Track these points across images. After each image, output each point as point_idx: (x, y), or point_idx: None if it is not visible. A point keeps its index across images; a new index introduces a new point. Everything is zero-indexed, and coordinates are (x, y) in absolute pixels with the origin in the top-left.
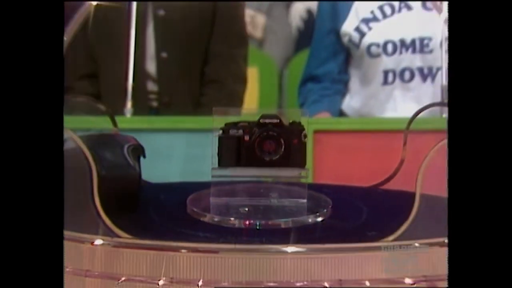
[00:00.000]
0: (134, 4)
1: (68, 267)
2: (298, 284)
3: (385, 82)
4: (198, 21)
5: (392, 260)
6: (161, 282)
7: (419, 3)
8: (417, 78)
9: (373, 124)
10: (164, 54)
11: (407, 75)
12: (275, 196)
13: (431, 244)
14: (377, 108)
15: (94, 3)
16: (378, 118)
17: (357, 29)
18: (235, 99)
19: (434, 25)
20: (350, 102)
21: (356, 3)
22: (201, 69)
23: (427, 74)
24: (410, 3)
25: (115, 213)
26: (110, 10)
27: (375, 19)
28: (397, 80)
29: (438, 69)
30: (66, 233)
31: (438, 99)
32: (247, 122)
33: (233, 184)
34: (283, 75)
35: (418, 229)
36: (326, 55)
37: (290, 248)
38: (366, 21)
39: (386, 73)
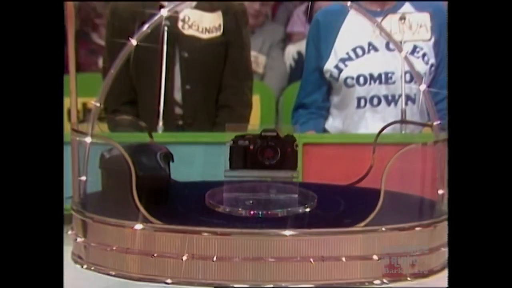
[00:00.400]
0: (165, 48)
1: (113, 246)
2: (290, 260)
3: (358, 106)
4: (213, 61)
5: (363, 241)
6: (184, 258)
7: (384, 45)
8: (383, 103)
9: (349, 139)
10: (188, 86)
11: (375, 101)
12: (273, 192)
13: (393, 229)
14: (353, 127)
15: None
16: (353, 134)
17: (336, 66)
18: (243, 120)
19: (396, 62)
20: (333, 123)
21: (335, 46)
22: (216, 97)
23: (391, 100)
24: (377, 45)
25: (150, 204)
26: (147, 51)
27: (350, 58)
28: (368, 105)
29: (399, 95)
30: (112, 220)
31: (399, 119)
32: (251, 135)
33: (241, 183)
34: (279, 101)
35: (383, 217)
36: (312, 88)
37: (285, 232)
38: (343, 60)
39: (359, 99)
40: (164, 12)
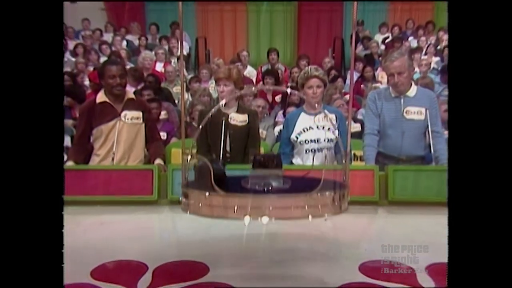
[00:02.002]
0: (223, 128)
1: (200, 203)
2: (275, 208)
3: (306, 153)
4: (243, 134)
5: (314, 199)
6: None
7: (315, 127)
8: (317, 152)
9: (302, 167)
10: (232, 145)
11: (313, 151)
12: (271, 179)
13: (323, 194)
14: (304, 162)
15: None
16: (304, 165)
17: (296, 136)
18: None
19: (321, 134)
20: (295, 160)
21: (295, 128)
22: (244, 149)
23: (319, 150)
24: (313, 127)
25: (218, 185)
26: (215, 129)
27: (301, 133)
28: (310, 153)
29: (323, 148)
30: (199, 191)
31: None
32: (263, 154)
33: (257, 175)
34: (271, 151)
35: (322, 189)
36: (285, 146)
37: (271, 195)
38: (299, 134)
39: (306, 150)
40: (225, 114)
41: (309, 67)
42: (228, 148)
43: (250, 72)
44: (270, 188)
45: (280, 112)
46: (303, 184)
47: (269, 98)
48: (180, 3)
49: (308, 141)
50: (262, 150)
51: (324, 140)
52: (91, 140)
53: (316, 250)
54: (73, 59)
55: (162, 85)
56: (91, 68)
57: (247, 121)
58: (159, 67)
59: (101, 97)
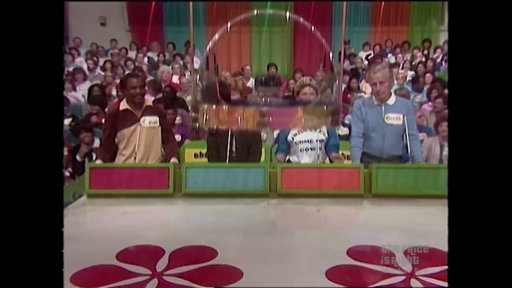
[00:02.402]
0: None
1: (209, 115)
2: (278, 117)
3: (300, 151)
4: (248, 136)
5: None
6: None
7: (308, 129)
8: (310, 150)
9: (299, 165)
10: (238, 145)
11: (306, 149)
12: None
13: (323, 108)
14: (299, 160)
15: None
16: (299, 163)
17: (292, 137)
18: (257, 157)
19: (313, 136)
20: (292, 158)
21: (290, 133)
22: (248, 149)
23: (312, 149)
24: (307, 130)
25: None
26: (224, 137)
27: (297, 134)
28: (304, 151)
29: (316, 147)
30: (206, 105)
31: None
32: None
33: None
34: (272, 150)
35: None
36: (282, 144)
37: (274, 108)
38: (294, 134)
39: (301, 149)
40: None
41: (304, 77)
42: (234, 148)
43: (252, 83)
44: (270, 102)
45: None
46: (300, 103)
47: None
48: (192, 23)
49: (302, 141)
50: (263, 150)
51: (316, 141)
52: (116, 142)
53: (310, 236)
54: (103, 73)
55: (178, 94)
56: (117, 81)
57: None
58: (175, 79)
59: (123, 105)
